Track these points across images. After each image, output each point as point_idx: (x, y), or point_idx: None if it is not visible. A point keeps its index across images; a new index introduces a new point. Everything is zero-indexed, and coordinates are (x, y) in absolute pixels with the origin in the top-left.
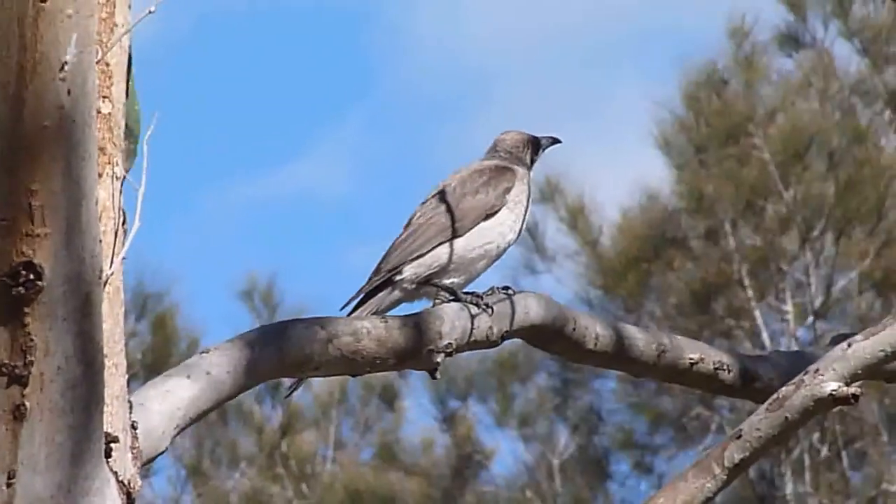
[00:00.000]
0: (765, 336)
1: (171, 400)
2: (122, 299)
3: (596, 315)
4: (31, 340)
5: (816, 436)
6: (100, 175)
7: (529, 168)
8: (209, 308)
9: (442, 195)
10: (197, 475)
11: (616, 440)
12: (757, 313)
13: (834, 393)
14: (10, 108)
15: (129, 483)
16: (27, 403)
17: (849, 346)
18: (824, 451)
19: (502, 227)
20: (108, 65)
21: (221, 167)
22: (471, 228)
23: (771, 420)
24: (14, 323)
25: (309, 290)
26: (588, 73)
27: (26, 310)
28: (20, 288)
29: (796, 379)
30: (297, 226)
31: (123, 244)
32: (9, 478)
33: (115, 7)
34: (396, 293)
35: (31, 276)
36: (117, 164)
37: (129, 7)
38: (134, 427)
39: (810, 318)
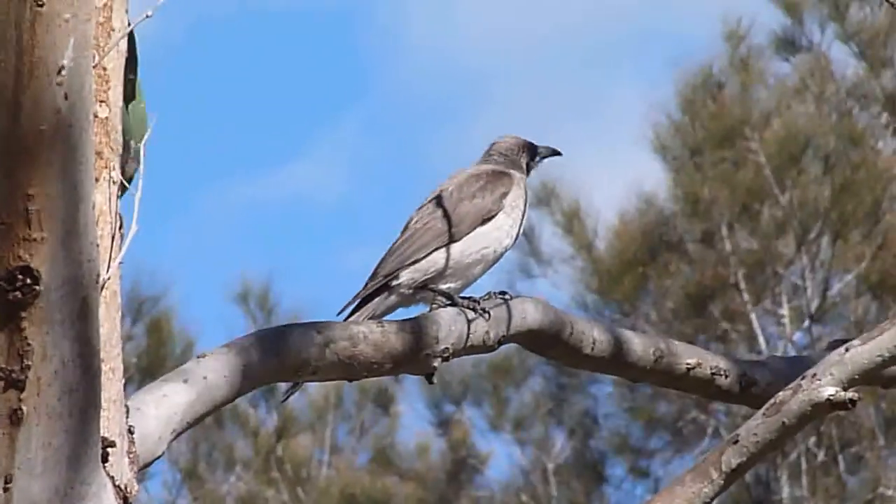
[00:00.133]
0: (761, 340)
1: (167, 404)
2: (119, 303)
3: (593, 320)
4: (28, 345)
5: (813, 440)
6: (96, 179)
7: (526, 173)
8: (205, 311)
9: (439, 200)
10: (192, 479)
11: (612, 444)
12: (753, 317)
13: (831, 398)
14: (7, 112)
15: (125, 487)
16: (24, 408)
17: (846, 350)
18: (821, 456)
19: (499, 232)
20: (105, 69)
21: (218, 169)
22: (467, 233)
23: (768, 425)
24: (11, 327)
25: (305, 292)
26: (583, 75)
27: (23, 314)
28: (17, 292)
29: (793, 384)
30: (294, 228)
31: (120, 248)
32: (6, 482)
33: (112, 11)
34: (393, 298)
35: (28, 281)
36: (114, 169)
37: (127, 11)
38: (131, 431)
39: (806, 322)
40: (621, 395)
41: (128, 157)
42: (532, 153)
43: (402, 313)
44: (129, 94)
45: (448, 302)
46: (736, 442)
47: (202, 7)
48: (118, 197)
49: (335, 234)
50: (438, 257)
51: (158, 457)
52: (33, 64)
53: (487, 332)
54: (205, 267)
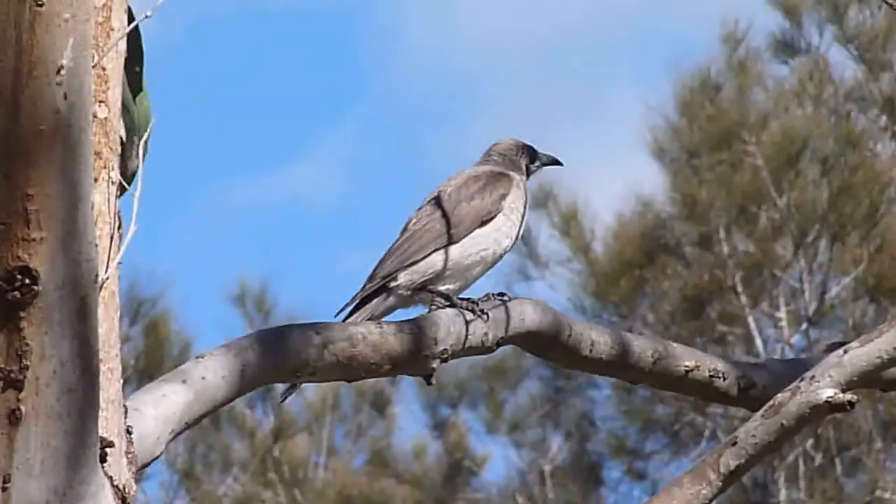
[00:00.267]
0: (758, 342)
1: (165, 405)
2: (118, 303)
3: (591, 322)
4: (27, 345)
5: (811, 443)
6: (95, 179)
7: (526, 175)
8: (202, 312)
9: (437, 201)
10: (189, 480)
11: (609, 446)
12: (750, 320)
13: (830, 400)
14: (7, 112)
15: (124, 488)
16: (23, 408)
17: (845, 352)
18: (818, 459)
19: (498, 234)
20: (104, 69)
21: (216, 170)
22: (466, 235)
23: (767, 427)
24: (10, 327)
25: (302, 294)
26: (582, 76)
27: (22, 314)
28: (16, 292)
29: (792, 386)
30: (293, 229)
31: (119, 248)
32: (4, 482)
33: (111, 11)
34: (391, 299)
35: (27, 281)
36: (113, 169)
37: (126, 11)
38: (129, 432)
39: (804, 325)
40: (618, 397)
41: (132, 152)
42: (532, 156)
43: (400, 314)
44: (136, 88)
45: (447, 303)
46: (734, 444)
47: (202, 7)
48: (117, 197)
49: (334, 235)
50: (437, 259)
51: (157, 457)
52: (32, 64)
53: (486, 334)
54: (203, 268)
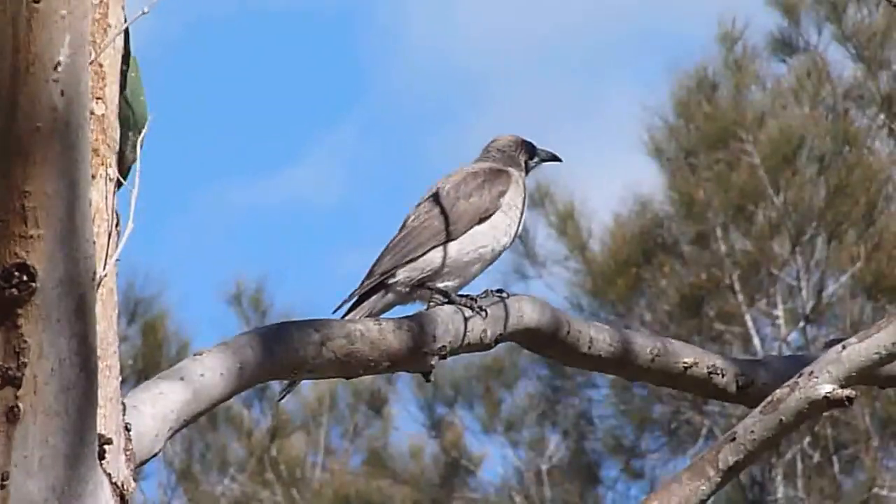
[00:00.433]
0: (756, 341)
1: (164, 402)
2: (116, 301)
3: (589, 319)
4: (25, 342)
5: (808, 441)
6: (93, 177)
7: (525, 171)
8: (199, 312)
9: (436, 198)
10: (187, 480)
11: (606, 445)
12: (748, 318)
13: (828, 395)
14: (3, 109)
15: (122, 485)
16: (21, 405)
17: (843, 348)
18: (816, 456)
19: (496, 231)
20: (101, 66)
21: (215, 171)
22: (465, 232)
23: (765, 423)
24: (7, 325)
25: (300, 295)
26: (581, 76)
27: (20, 311)
28: (13, 289)
29: (790, 381)
30: (291, 231)
31: (117, 246)
32: (2, 480)
33: (108, 8)
34: (390, 296)
35: (25, 278)
36: (111, 166)
37: (123, 8)
38: (127, 429)
39: (801, 323)
40: (616, 396)
41: (127, 148)
42: (531, 152)
43: (399, 311)
44: (122, 85)
45: (445, 300)
46: (733, 440)
47: (200, 6)
48: (114, 194)
49: (333, 236)
50: (435, 256)
51: (155, 454)
52: (29, 61)
53: (484, 331)
54: (201, 268)
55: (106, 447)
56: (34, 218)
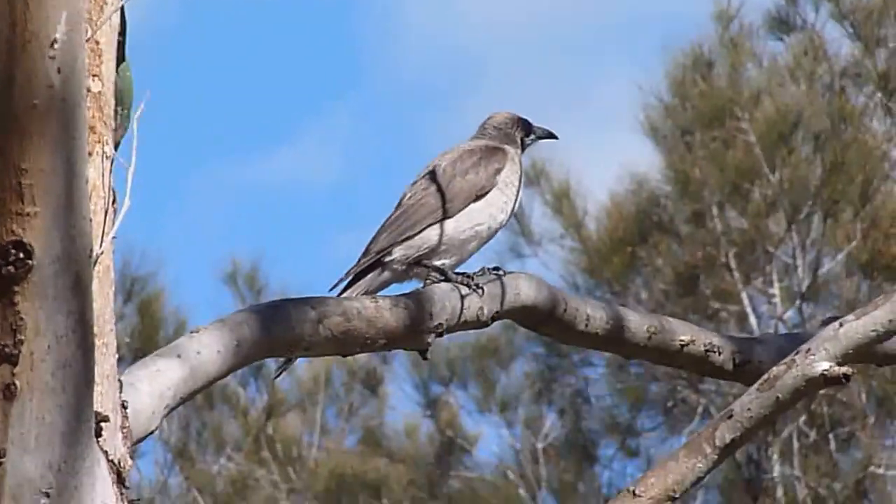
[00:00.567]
0: (752, 319)
1: (160, 380)
2: (112, 279)
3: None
4: (22, 319)
5: (804, 419)
6: (90, 154)
7: (521, 148)
8: (196, 291)
9: (432, 176)
10: (183, 459)
11: (602, 423)
12: (744, 296)
13: (825, 373)
14: (0, 86)
15: (119, 462)
16: (17, 383)
17: (840, 326)
18: (812, 435)
19: (492, 209)
20: (97, 43)
21: (211, 151)
22: (461, 210)
23: (762, 400)
24: (4, 302)
25: (295, 275)
26: (576, 55)
27: (16, 289)
28: (10, 267)
29: (787, 359)
30: (287, 211)
31: (113, 223)
32: None
33: None
34: (386, 274)
35: (21, 255)
36: (107, 143)
37: None
38: (124, 407)
39: (797, 301)
40: (612, 375)
41: (115, 123)
42: (527, 129)
43: (395, 289)
44: (119, 58)
45: (442, 278)
46: (730, 417)
47: None
48: (111, 171)
49: (328, 217)
50: (431, 234)
51: (152, 432)
52: (26, 38)
53: (481, 308)
54: (196, 247)
55: (103, 424)
56: (31, 195)
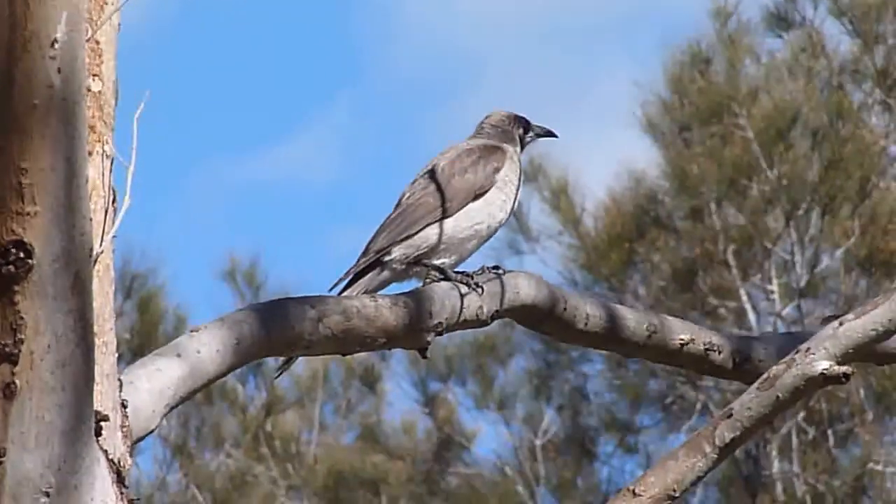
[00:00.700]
0: (750, 315)
1: (160, 379)
2: (112, 277)
3: (586, 295)
4: (22, 318)
5: (803, 415)
6: (90, 153)
7: (521, 146)
8: (195, 289)
9: (431, 175)
10: (183, 455)
11: (601, 420)
12: (742, 292)
13: (825, 372)
14: (0, 86)
15: (119, 461)
16: (17, 382)
17: (840, 325)
18: (811, 432)
19: (491, 208)
20: (97, 43)
21: (210, 148)
22: (460, 209)
23: (762, 399)
24: (4, 301)
25: (294, 272)
26: (575, 52)
27: (16, 288)
28: (10, 266)
29: (787, 358)
30: (285, 208)
31: (113, 222)
32: None
33: None
34: (386, 273)
35: (22, 255)
36: (107, 143)
37: None
38: (124, 405)
39: (796, 297)
40: (610, 371)
41: None
42: (526, 127)
43: (395, 288)
44: None
45: (441, 277)
46: (730, 416)
47: None
48: (111, 170)
49: (327, 214)
50: (431, 233)
51: (151, 431)
52: (26, 38)
53: (481, 307)
54: (195, 245)
55: (102, 423)
56: (31, 195)
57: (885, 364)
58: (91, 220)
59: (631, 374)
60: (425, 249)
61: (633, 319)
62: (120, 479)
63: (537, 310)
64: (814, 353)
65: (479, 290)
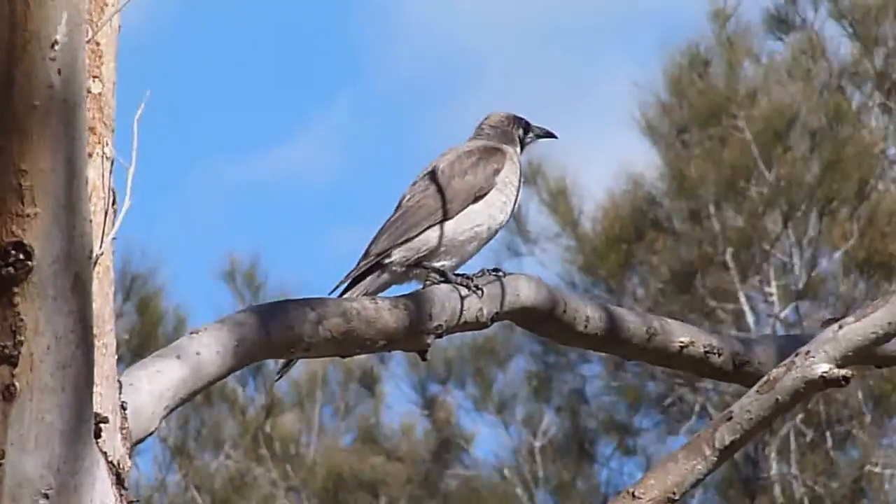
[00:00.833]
0: (749, 317)
1: (160, 380)
2: (112, 279)
3: (586, 297)
4: (21, 320)
5: (801, 418)
6: (90, 155)
7: (520, 147)
8: (194, 289)
9: (431, 177)
10: (182, 456)
11: (600, 422)
12: (741, 295)
13: (825, 375)
14: (1, 87)
15: (118, 463)
16: (17, 383)
17: (840, 327)
18: (810, 434)
19: (492, 209)
20: (98, 44)
21: (210, 148)
22: (460, 211)
23: (762, 402)
24: (4, 302)
25: (294, 273)
26: (574, 54)
27: (16, 289)
28: (10, 268)
29: (787, 361)
30: (285, 208)
31: (113, 224)
32: None
33: None
34: (386, 276)
35: (21, 256)
36: (107, 144)
37: None
38: (123, 407)
39: (794, 300)
40: (609, 373)
41: None
42: (525, 128)
43: (395, 291)
44: None
45: (441, 279)
46: (729, 419)
47: None
48: (111, 171)
49: (327, 214)
50: (431, 235)
51: (151, 433)
52: (26, 39)
53: (481, 310)
54: (195, 245)
55: (102, 425)
56: (31, 196)
57: (884, 367)
58: (91, 221)
59: (630, 376)
60: (425, 252)
61: (633, 322)
62: (119, 480)
63: (537, 312)
64: (813, 356)
65: (479, 292)
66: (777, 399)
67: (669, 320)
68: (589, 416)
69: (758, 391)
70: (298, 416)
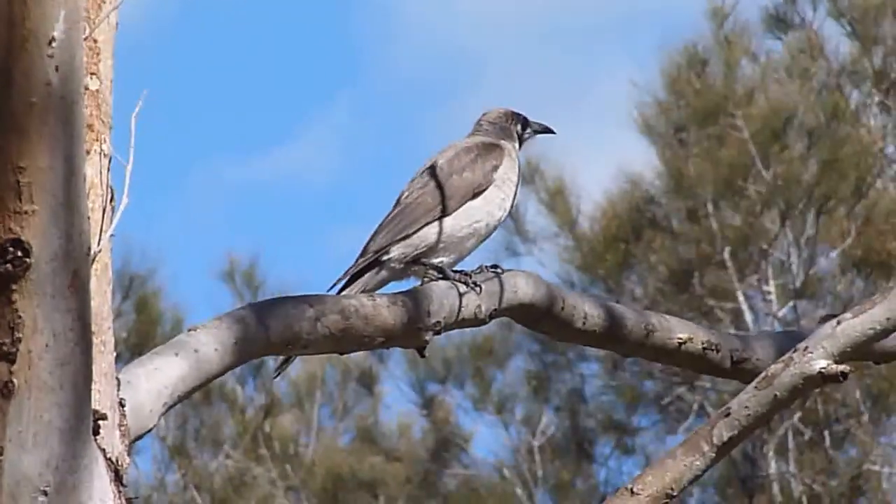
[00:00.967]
0: (747, 316)
1: (158, 377)
2: (110, 276)
3: (584, 294)
4: (19, 317)
5: (799, 416)
6: (88, 152)
7: (519, 143)
8: (194, 289)
9: (430, 174)
10: (181, 456)
11: (598, 421)
12: (739, 293)
13: (823, 371)
14: None
15: (117, 461)
16: (15, 381)
17: (838, 323)
18: (808, 432)
19: (490, 206)
20: (95, 41)
21: (209, 148)
22: (458, 208)
23: (760, 398)
24: (2, 300)
25: (294, 273)
26: (572, 53)
27: (14, 287)
28: (8, 265)
29: (785, 357)
30: (284, 208)
31: (111, 221)
32: None
33: None
34: (384, 273)
35: (19, 254)
36: (105, 142)
37: None
38: (122, 404)
39: (792, 298)
40: (607, 372)
41: None
42: (524, 124)
43: (393, 287)
44: None
45: (440, 276)
46: (727, 415)
47: None
48: (109, 169)
49: (326, 214)
50: (429, 232)
51: (150, 430)
52: (24, 36)
53: (479, 306)
54: (195, 245)
55: (100, 423)
56: (29, 193)
57: (882, 363)
58: (89, 218)
59: (628, 375)
60: (424, 248)
61: (632, 318)
62: (118, 477)
63: (535, 308)
64: (812, 352)
65: (478, 288)
66: (775, 395)
67: (668, 317)
68: (587, 415)
69: (756, 387)
70: (297, 416)
